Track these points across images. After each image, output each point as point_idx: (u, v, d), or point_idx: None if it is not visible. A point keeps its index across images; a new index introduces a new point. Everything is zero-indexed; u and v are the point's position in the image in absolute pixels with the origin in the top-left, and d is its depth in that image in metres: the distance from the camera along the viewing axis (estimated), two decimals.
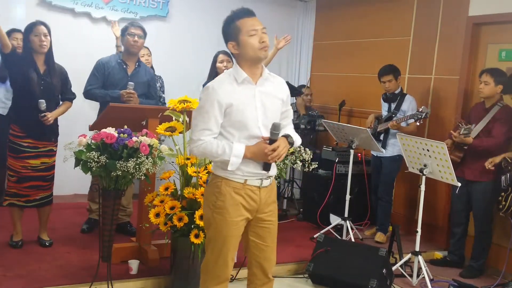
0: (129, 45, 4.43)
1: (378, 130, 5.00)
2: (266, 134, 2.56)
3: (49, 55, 4.05)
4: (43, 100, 3.94)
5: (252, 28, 2.51)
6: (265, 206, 2.66)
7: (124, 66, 4.46)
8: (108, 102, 3.94)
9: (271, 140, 2.52)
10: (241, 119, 2.52)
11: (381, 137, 5.00)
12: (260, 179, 2.60)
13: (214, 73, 4.82)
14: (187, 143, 2.64)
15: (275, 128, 2.51)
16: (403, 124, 4.84)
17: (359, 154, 5.40)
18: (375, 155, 5.15)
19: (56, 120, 4.14)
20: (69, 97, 4.25)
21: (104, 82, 4.40)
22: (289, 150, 2.68)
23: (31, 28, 3.96)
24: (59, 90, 4.15)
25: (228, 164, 2.49)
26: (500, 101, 4.29)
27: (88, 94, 4.42)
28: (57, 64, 4.14)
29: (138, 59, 4.57)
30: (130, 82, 4.29)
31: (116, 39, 5.14)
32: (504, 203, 4.01)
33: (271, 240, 2.72)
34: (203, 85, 4.68)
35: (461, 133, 4.19)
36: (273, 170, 2.68)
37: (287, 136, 2.60)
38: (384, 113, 5.12)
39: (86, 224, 4.66)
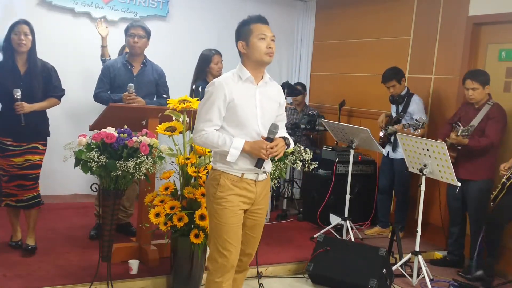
0: (130, 46, 4.46)
1: (388, 132, 4.98)
2: (264, 132, 2.76)
3: (30, 54, 3.90)
4: (18, 89, 3.78)
5: (263, 33, 2.74)
6: (260, 200, 2.86)
7: (130, 67, 4.46)
8: None
9: (269, 139, 2.71)
10: (242, 115, 2.72)
11: (392, 139, 4.99)
12: (256, 173, 2.78)
13: (204, 73, 4.81)
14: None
15: (274, 127, 2.73)
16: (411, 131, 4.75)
17: (360, 156, 5.40)
18: (386, 155, 5.14)
19: (42, 120, 4.01)
20: (55, 94, 4.05)
21: (111, 84, 4.43)
22: (285, 152, 2.87)
23: (13, 27, 3.86)
24: (41, 91, 3.95)
25: (227, 155, 2.67)
26: (489, 100, 4.29)
27: (97, 97, 4.47)
28: (42, 61, 3.98)
29: (145, 58, 4.55)
30: (130, 84, 4.28)
31: (102, 39, 5.14)
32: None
33: (259, 231, 2.94)
34: (192, 86, 4.67)
35: (459, 134, 4.17)
36: (268, 166, 2.86)
37: (284, 138, 2.79)
38: (393, 114, 5.12)
39: (95, 230, 4.48)
